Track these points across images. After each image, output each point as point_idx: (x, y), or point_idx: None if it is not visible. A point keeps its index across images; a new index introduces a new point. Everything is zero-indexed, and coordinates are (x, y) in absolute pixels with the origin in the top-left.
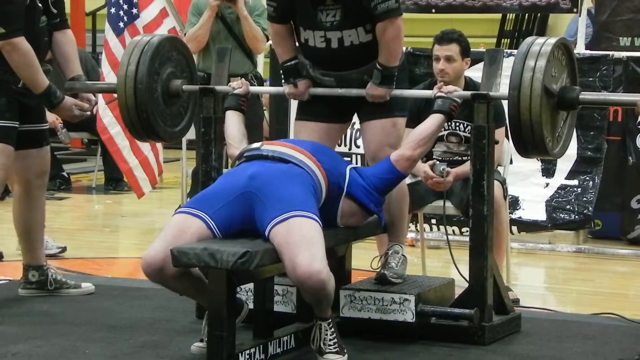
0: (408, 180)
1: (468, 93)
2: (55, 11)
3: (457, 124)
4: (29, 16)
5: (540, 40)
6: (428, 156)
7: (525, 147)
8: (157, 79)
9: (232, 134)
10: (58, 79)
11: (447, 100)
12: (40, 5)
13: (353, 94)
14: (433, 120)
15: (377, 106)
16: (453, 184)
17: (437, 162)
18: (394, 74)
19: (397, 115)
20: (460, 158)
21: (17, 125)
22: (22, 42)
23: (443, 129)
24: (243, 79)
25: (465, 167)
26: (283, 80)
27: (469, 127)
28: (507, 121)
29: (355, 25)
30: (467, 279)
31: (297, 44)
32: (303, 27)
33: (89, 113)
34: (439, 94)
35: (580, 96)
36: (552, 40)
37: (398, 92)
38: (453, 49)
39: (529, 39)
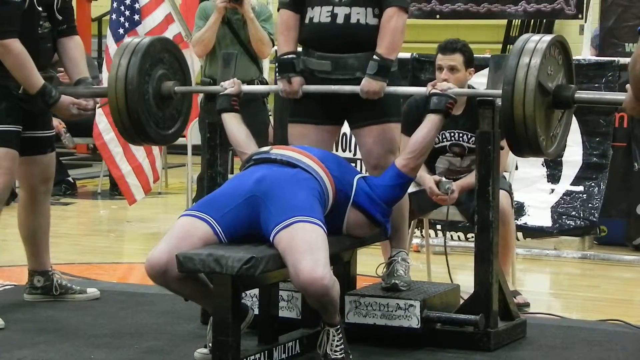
0: (411, 189)
1: (464, 90)
2: (60, 17)
3: (461, 134)
4: (27, 20)
5: (536, 37)
6: (429, 167)
7: (519, 144)
8: (148, 80)
9: (237, 139)
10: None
11: (443, 97)
12: (40, 9)
13: (346, 90)
14: (431, 124)
15: (369, 111)
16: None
17: (443, 180)
18: (389, 67)
19: (392, 121)
20: (464, 176)
21: (19, 130)
22: (14, 43)
23: (446, 140)
24: (236, 78)
25: (470, 179)
26: (277, 75)
27: (473, 139)
28: (500, 117)
29: (365, 5)
30: (452, 280)
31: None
32: (312, 5)
33: (89, 112)
34: (434, 91)
35: (576, 95)
36: (548, 38)
37: (392, 89)
38: (457, 59)
39: (524, 36)
